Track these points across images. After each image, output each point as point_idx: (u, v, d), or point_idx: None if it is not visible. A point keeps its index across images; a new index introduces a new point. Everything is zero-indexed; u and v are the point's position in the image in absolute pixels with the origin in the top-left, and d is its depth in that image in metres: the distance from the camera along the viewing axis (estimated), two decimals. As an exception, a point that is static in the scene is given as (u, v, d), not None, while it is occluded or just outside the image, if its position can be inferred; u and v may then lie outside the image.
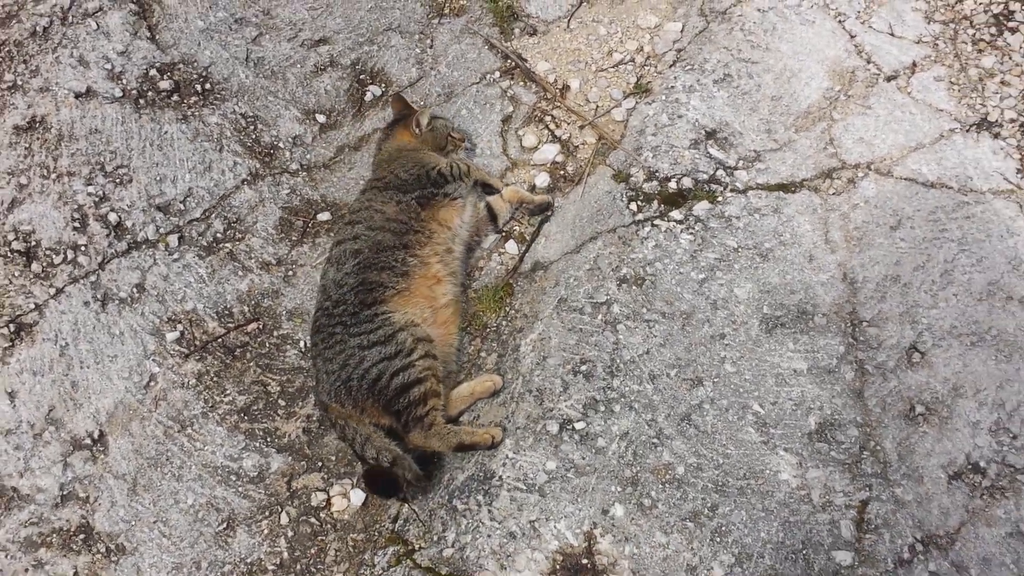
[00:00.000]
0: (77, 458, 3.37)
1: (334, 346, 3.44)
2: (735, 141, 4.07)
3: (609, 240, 3.81)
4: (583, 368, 3.44)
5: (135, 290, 3.75)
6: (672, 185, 3.94)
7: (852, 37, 4.35)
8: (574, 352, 3.48)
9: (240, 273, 3.90)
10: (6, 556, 3.18)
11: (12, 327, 3.57)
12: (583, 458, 3.23)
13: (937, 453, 3.22)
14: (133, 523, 3.28)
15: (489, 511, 3.14)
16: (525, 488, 3.17)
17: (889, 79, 4.21)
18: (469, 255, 4.08)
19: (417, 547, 3.17)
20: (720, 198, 3.90)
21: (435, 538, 3.15)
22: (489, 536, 3.10)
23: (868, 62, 4.26)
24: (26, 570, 3.17)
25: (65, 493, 3.32)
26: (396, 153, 4.09)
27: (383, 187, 3.90)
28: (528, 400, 3.40)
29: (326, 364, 3.45)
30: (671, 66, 4.37)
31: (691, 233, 3.79)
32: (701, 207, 3.86)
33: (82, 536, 3.25)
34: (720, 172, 3.97)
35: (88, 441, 3.41)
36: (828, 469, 3.21)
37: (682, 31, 4.52)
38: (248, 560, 3.23)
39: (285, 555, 3.24)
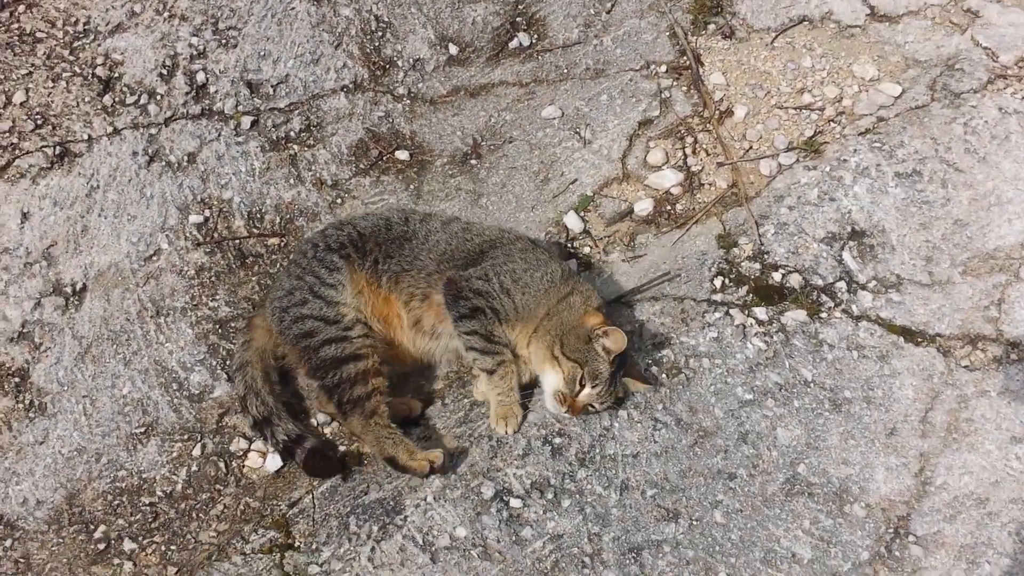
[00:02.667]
0: (51, 303, 3.28)
1: (296, 269, 3.11)
2: (881, 255, 3.28)
3: (669, 309, 3.21)
4: (556, 441, 2.93)
5: (186, 159, 3.57)
6: (775, 276, 3.25)
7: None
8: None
9: (292, 181, 3.62)
10: (-57, 371, 3.18)
11: (58, 150, 3.50)
12: (498, 541, 2.76)
13: None
14: (66, 389, 3.16)
15: (373, 550, 2.76)
16: (421, 544, 2.76)
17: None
18: None
19: (296, 545, 2.85)
20: (824, 314, 3.17)
21: (313, 546, 2.82)
22: (359, 576, 2.74)
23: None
24: (-49, 390, 3.16)
25: (24, 331, 3.24)
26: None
27: (477, 244, 3.17)
28: (483, 446, 2.95)
29: (279, 281, 3.19)
30: (861, 134, 3.57)
31: (765, 341, 3.11)
32: (794, 316, 3.16)
33: (16, 380, 3.17)
34: (841, 284, 3.22)
35: (68, 290, 3.31)
36: None
37: (898, 98, 3.66)
38: (144, 475, 3.05)
39: (179, 488, 3.03)
